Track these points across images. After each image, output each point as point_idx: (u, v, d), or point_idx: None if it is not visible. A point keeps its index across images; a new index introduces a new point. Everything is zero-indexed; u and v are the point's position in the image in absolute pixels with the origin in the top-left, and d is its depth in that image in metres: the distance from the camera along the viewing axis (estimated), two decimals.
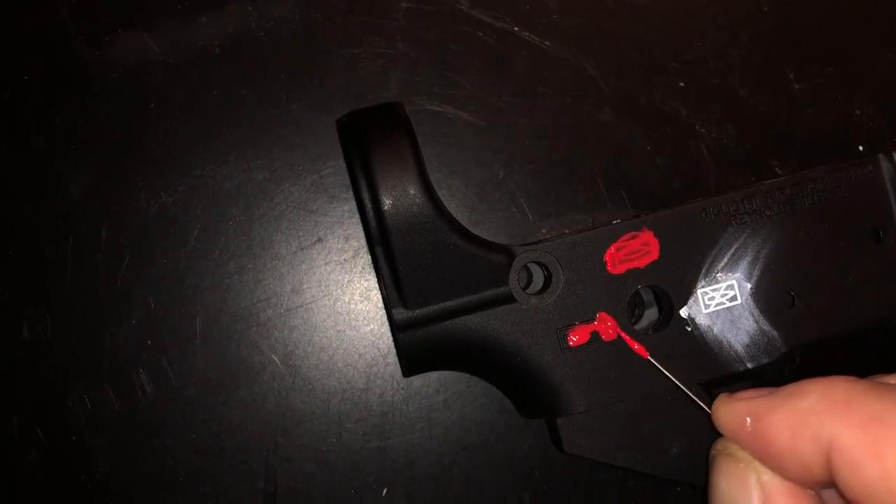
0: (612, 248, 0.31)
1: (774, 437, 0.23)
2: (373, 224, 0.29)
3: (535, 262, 0.31)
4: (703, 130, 0.38)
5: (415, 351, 0.30)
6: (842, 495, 0.23)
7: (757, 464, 0.24)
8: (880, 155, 0.32)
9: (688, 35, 0.38)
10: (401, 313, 0.30)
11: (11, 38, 0.36)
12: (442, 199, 0.30)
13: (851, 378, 0.23)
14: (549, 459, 0.36)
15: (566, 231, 0.36)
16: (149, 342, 0.35)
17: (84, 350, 0.35)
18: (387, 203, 0.29)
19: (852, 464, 0.21)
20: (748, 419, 0.24)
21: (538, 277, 0.32)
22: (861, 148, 0.38)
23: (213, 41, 0.36)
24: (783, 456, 0.23)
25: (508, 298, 0.30)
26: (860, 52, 0.39)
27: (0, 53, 0.36)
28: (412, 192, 0.29)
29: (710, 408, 0.27)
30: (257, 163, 0.36)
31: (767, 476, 0.24)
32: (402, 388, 0.36)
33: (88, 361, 0.35)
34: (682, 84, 0.38)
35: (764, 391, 0.25)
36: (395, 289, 0.30)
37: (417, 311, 0.30)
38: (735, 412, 0.25)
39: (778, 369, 0.33)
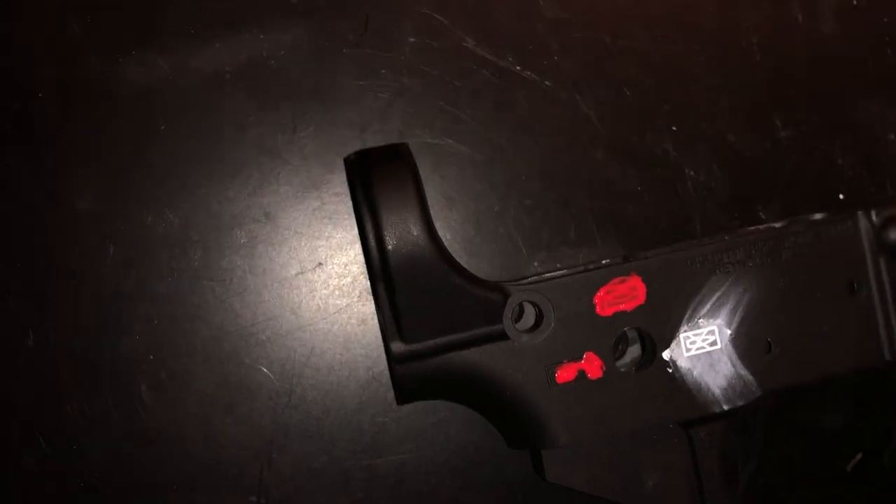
0: (601, 291, 0.32)
1: None
2: (376, 261, 0.30)
3: (528, 301, 0.32)
4: (691, 173, 0.39)
5: (409, 382, 0.32)
6: None
7: None
8: (859, 212, 0.34)
9: (681, 79, 0.40)
10: (398, 347, 0.31)
11: (25, 51, 0.37)
12: (439, 229, 0.32)
13: None
14: (532, 484, 0.38)
15: (557, 265, 0.38)
16: (150, 356, 0.36)
17: (86, 360, 0.36)
18: (391, 243, 0.30)
19: None
20: None
21: (529, 313, 0.33)
22: (841, 196, 0.40)
23: (224, 66, 0.37)
24: None
25: (501, 336, 0.32)
26: (845, 104, 0.41)
27: (12, 66, 0.37)
28: (415, 232, 0.30)
29: None
30: (262, 187, 0.37)
31: None
32: (394, 411, 0.37)
33: (90, 371, 0.36)
34: (673, 127, 0.39)
35: None
36: (393, 323, 0.31)
37: (414, 345, 0.31)
38: None
39: (752, 411, 0.35)
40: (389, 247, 0.30)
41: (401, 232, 0.30)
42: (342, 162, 0.37)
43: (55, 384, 0.36)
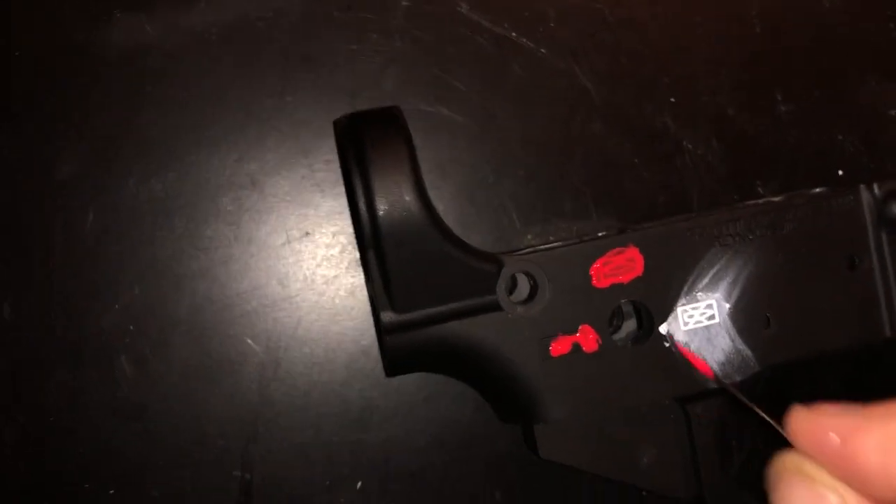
0: (598, 263, 0.32)
1: (864, 457, 0.23)
2: (366, 227, 0.29)
3: (523, 272, 0.31)
4: (689, 146, 0.38)
5: (400, 353, 0.31)
6: None
7: (839, 486, 0.23)
8: (861, 186, 0.33)
9: (681, 51, 0.39)
10: (388, 316, 0.30)
11: (3, 13, 0.36)
12: (431, 199, 0.31)
13: None
14: (522, 459, 0.37)
15: (551, 238, 0.37)
16: (132, 328, 0.35)
17: (66, 333, 0.35)
18: (382, 208, 0.29)
19: None
20: (834, 436, 0.23)
21: (523, 285, 0.32)
22: (840, 173, 0.39)
23: (210, 28, 0.36)
24: (872, 477, 0.23)
25: (495, 306, 0.31)
26: (846, 79, 0.40)
27: None
28: (408, 198, 0.29)
29: (778, 422, 0.25)
30: (249, 153, 0.36)
31: (852, 500, 0.23)
32: (382, 385, 0.36)
33: (70, 345, 0.35)
34: (672, 99, 0.38)
35: (847, 408, 0.24)
36: (384, 292, 0.30)
37: (405, 315, 0.30)
38: (819, 427, 0.24)
39: (749, 387, 0.34)
40: (381, 212, 0.29)
41: (393, 197, 0.29)
42: (332, 129, 0.36)
43: (33, 358, 0.35)
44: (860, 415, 0.23)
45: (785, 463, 0.24)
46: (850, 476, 0.23)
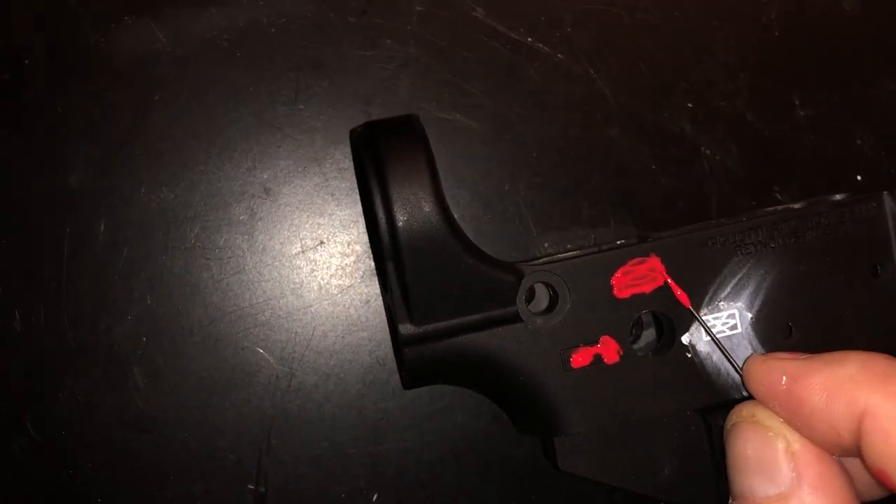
0: (619, 273, 0.31)
1: (809, 397, 0.24)
2: (385, 239, 0.29)
3: (542, 283, 0.31)
4: (707, 152, 0.38)
5: (418, 366, 0.30)
6: (865, 462, 0.23)
7: (786, 431, 0.25)
8: (884, 193, 0.33)
9: (698, 56, 0.38)
10: (407, 328, 0.30)
11: (14, 17, 0.35)
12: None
13: (890, 357, 0.24)
14: (539, 471, 0.36)
15: (568, 246, 0.37)
16: (144, 339, 0.35)
17: (78, 343, 0.35)
18: (401, 220, 0.28)
19: (884, 432, 0.22)
20: (784, 378, 0.25)
21: (542, 295, 0.32)
22: (859, 178, 0.39)
23: (221, 34, 0.36)
24: (815, 416, 0.24)
25: (514, 318, 0.30)
26: (865, 84, 0.39)
27: (3, 35, 0.35)
28: (427, 209, 0.29)
29: (740, 368, 0.27)
30: (262, 161, 0.35)
31: (798, 444, 0.25)
32: (397, 396, 0.36)
33: (82, 354, 0.35)
34: (689, 105, 0.38)
35: (800, 355, 0.25)
36: (402, 303, 0.29)
37: (423, 326, 0.30)
38: (770, 370, 0.25)
39: None
40: (400, 223, 0.28)
41: (412, 208, 0.28)
42: (346, 136, 0.35)
43: (44, 369, 0.35)
44: (808, 359, 0.25)
45: (740, 412, 0.26)
46: (795, 418, 0.25)
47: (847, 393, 0.23)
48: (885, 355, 0.24)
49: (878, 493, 0.25)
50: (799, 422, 0.25)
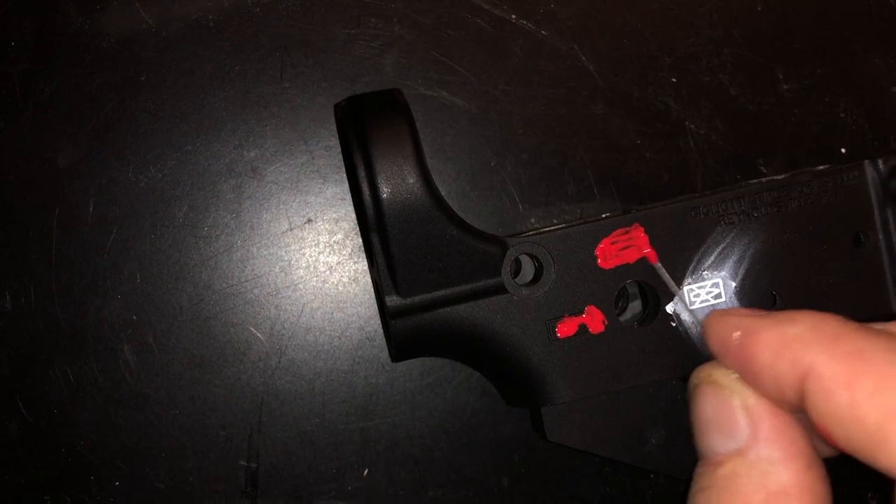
0: (603, 243, 0.31)
1: (758, 353, 0.24)
2: (370, 211, 0.29)
3: (527, 254, 0.31)
4: (692, 127, 0.38)
5: (405, 338, 0.30)
6: (811, 420, 0.24)
7: (740, 388, 0.25)
8: (866, 161, 0.33)
9: (682, 31, 0.38)
10: (393, 301, 0.30)
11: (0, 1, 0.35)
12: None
13: (842, 318, 0.24)
14: (529, 445, 0.37)
15: (555, 221, 0.37)
16: (134, 317, 0.35)
17: (68, 323, 0.35)
18: (385, 191, 0.29)
19: (825, 391, 0.23)
20: (737, 333, 0.25)
21: (528, 268, 0.32)
22: (843, 150, 0.39)
23: (207, 14, 0.36)
24: (761, 372, 0.24)
25: (500, 289, 0.31)
26: (849, 56, 0.40)
27: None
28: (411, 181, 0.29)
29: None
30: (249, 140, 0.36)
31: (752, 400, 0.25)
32: (387, 371, 0.36)
33: (72, 335, 0.35)
34: (674, 80, 0.38)
35: (757, 312, 0.26)
36: (388, 276, 0.30)
37: (410, 299, 0.30)
38: (726, 325, 0.26)
39: None
40: (384, 195, 0.29)
41: (396, 179, 0.29)
42: (331, 114, 0.35)
43: (35, 349, 0.35)
44: (762, 317, 0.25)
45: (698, 373, 0.27)
46: (747, 373, 0.25)
47: (793, 352, 0.23)
48: (837, 316, 0.24)
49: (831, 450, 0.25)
50: (750, 378, 0.25)
